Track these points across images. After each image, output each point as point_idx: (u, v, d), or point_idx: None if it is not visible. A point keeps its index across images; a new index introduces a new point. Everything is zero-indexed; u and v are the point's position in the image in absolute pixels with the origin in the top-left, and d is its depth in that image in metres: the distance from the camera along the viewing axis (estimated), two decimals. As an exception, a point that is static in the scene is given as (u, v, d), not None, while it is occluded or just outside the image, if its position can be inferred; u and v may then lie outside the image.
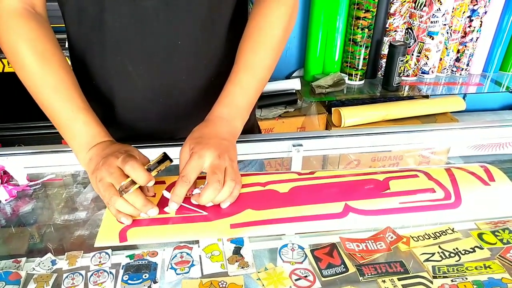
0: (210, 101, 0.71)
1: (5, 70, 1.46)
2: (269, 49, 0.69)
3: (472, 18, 1.86)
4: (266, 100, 1.72)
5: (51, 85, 0.64)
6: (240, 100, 0.67)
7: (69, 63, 0.71)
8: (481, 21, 1.86)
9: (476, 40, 1.91)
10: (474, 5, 1.83)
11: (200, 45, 0.71)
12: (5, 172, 0.70)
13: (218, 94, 0.69)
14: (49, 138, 1.56)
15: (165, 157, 0.60)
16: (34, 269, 0.54)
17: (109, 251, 0.56)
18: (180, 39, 0.69)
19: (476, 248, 0.56)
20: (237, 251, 0.56)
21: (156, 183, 0.65)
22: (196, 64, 0.72)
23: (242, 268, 0.53)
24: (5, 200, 0.67)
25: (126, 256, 0.55)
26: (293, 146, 0.76)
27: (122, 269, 0.53)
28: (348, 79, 1.90)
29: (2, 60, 1.46)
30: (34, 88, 0.65)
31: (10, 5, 0.64)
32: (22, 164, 0.71)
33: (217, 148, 0.60)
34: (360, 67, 1.87)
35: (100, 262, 0.55)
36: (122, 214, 0.59)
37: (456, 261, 0.54)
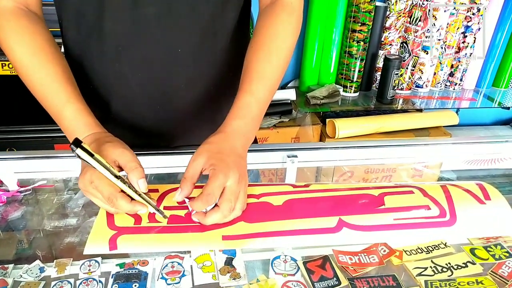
0: (208, 110, 0.71)
1: (-3, 73, 1.45)
2: (281, 59, 0.69)
3: (466, 34, 1.89)
4: (261, 109, 1.72)
5: (41, 79, 0.64)
6: (255, 111, 0.66)
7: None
8: (474, 37, 1.89)
9: (470, 55, 1.93)
10: (468, 22, 1.86)
11: (200, 54, 0.71)
12: (-5, 177, 0.69)
13: (216, 103, 0.68)
14: (41, 142, 1.54)
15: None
16: (21, 276, 0.53)
17: (99, 259, 0.55)
18: (180, 47, 0.69)
19: (468, 263, 0.56)
20: (229, 262, 0.55)
21: (148, 191, 0.64)
22: (195, 73, 0.72)
23: (233, 279, 0.53)
24: (-6, 205, 0.66)
25: (116, 265, 0.54)
26: (288, 157, 0.76)
27: (111, 278, 0.52)
28: (343, 91, 1.91)
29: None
30: (29, 83, 0.65)
31: (3, 5, 0.64)
32: (12, 169, 0.70)
33: (238, 169, 0.59)
34: (355, 79, 1.89)
35: (89, 270, 0.54)
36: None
37: (448, 276, 0.54)
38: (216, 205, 0.59)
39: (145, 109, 0.73)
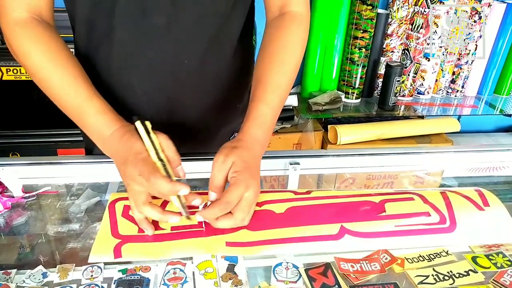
0: (213, 119, 0.71)
1: (3, 78, 1.46)
2: (292, 69, 0.70)
3: (467, 41, 1.89)
4: (263, 115, 1.72)
5: (60, 81, 0.64)
6: (270, 120, 0.67)
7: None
8: (476, 45, 1.89)
9: (471, 63, 1.94)
10: (469, 29, 1.86)
11: (206, 63, 0.72)
12: (0, 183, 0.69)
13: (222, 112, 0.68)
14: (44, 146, 1.55)
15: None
16: (24, 281, 0.53)
17: (101, 265, 0.56)
18: (187, 57, 0.70)
19: (470, 272, 0.56)
20: (231, 269, 0.55)
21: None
22: (201, 82, 0.73)
23: (235, 286, 0.53)
24: (-1, 211, 0.66)
25: (119, 271, 0.55)
26: (290, 164, 0.76)
27: (114, 284, 0.53)
28: (345, 97, 1.91)
29: (1, 68, 1.46)
30: (47, 88, 0.65)
31: (17, 16, 0.65)
32: (17, 175, 0.70)
33: (258, 182, 0.60)
34: (357, 86, 1.89)
35: (92, 276, 0.54)
36: (146, 222, 0.60)
37: (450, 284, 0.54)
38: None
39: (151, 118, 0.74)
